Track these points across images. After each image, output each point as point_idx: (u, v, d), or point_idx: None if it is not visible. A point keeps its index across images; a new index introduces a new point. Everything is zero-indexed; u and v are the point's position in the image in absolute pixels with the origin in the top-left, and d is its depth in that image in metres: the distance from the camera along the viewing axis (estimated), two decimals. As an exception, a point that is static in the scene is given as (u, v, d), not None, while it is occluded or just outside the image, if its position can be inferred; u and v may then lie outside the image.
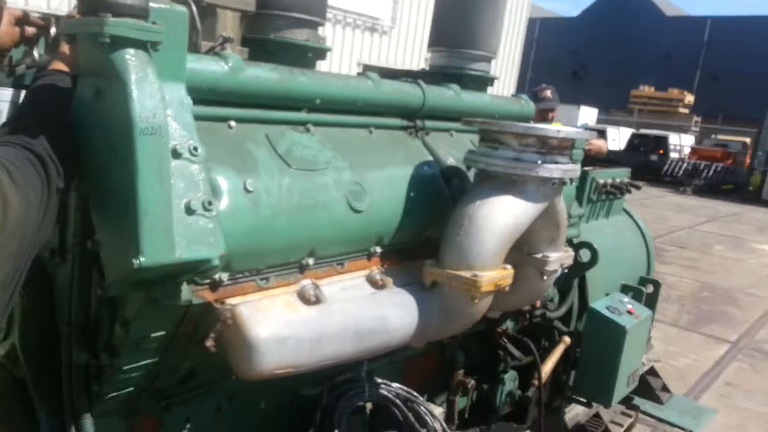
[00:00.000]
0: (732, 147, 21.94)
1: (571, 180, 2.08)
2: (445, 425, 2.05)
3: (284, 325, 1.56)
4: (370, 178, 1.90)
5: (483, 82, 2.75)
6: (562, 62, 32.12)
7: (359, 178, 1.87)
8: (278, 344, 1.53)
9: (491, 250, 1.89)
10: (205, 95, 1.58)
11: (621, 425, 3.41)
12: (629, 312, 2.94)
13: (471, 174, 2.24)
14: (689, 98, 26.79)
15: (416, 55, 13.11)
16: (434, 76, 2.64)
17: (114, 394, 1.49)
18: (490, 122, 2.03)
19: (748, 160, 20.38)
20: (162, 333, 1.45)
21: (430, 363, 2.50)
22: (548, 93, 4.88)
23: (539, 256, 2.17)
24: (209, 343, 1.50)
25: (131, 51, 1.26)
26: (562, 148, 2.02)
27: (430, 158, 2.22)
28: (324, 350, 1.64)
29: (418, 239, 2.09)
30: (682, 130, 23.81)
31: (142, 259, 1.22)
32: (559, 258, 2.21)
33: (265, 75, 1.76)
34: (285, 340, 1.55)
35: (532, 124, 2.01)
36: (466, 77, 2.66)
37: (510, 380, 2.73)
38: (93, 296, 1.44)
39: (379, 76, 2.16)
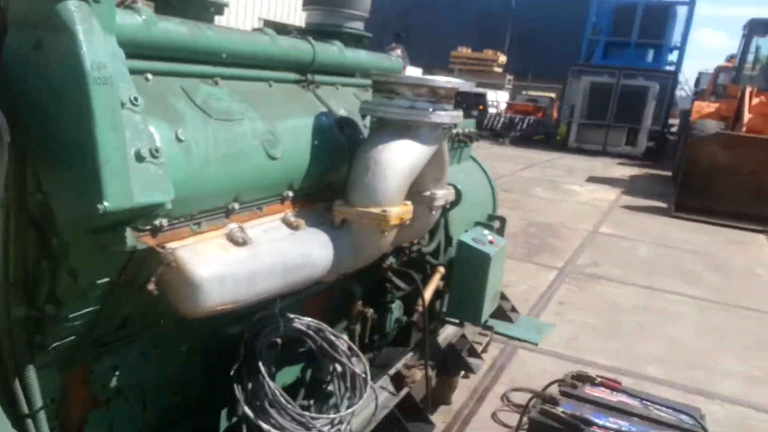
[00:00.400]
0: (541, 102, 24.08)
1: (456, 125, 2.36)
2: (352, 344, 2.28)
3: (222, 265, 1.67)
4: (280, 128, 2.02)
5: (359, 40, 2.93)
6: (387, 25, 32.87)
7: (271, 127, 1.98)
8: (219, 282, 1.64)
9: (396, 188, 2.11)
10: (122, 48, 1.60)
11: (480, 344, 3.86)
12: (491, 242, 3.34)
13: (361, 123, 2.44)
14: (502, 58, 28.78)
15: (249, 18, 12.83)
16: (312, 33, 2.76)
17: (57, 343, 1.51)
18: (387, 75, 2.23)
19: (555, 114, 22.54)
20: (107, 280, 1.49)
21: (327, 299, 2.70)
22: (399, 52, 5.14)
23: (428, 193, 2.44)
24: (151, 286, 1.57)
25: (74, 2, 1.28)
26: (449, 97, 2.28)
27: (324, 109, 2.37)
28: (258, 286, 1.77)
29: (322, 184, 2.25)
30: (497, 87, 25.61)
31: (106, 203, 1.27)
32: (444, 195, 2.50)
33: (175, 28, 1.80)
34: (224, 279, 1.66)
35: (424, 76, 2.24)
36: (344, 35, 2.82)
37: (397, 309, 3.02)
38: (30, 250, 1.44)
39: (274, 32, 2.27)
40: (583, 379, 2.84)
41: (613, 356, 4.36)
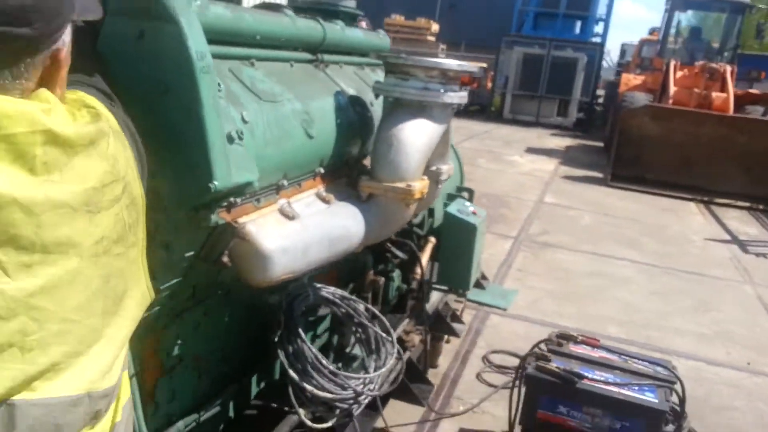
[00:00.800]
0: (476, 72, 24.45)
1: (461, 105, 2.53)
2: (372, 307, 2.46)
3: (283, 238, 1.81)
4: (311, 108, 2.15)
5: (353, 18, 3.04)
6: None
7: (306, 107, 2.11)
8: (283, 254, 1.78)
9: (417, 165, 2.28)
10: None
11: (457, 309, 4.11)
12: (473, 213, 3.56)
13: (368, 102, 2.57)
14: (435, 27, 28.96)
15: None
16: (308, 11, 2.85)
17: (147, 313, 1.61)
18: (404, 57, 2.37)
19: (489, 84, 22.98)
20: (192, 253, 1.61)
21: (338, 269, 2.85)
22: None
23: (434, 168, 2.61)
24: (225, 259, 1.70)
25: (175, -7, 1.37)
26: (456, 79, 2.44)
27: (338, 89, 2.49)
28: (311, 256, 1.92)
29: (342, 160, 2.39)
30: (432, 56, 25.81)
31: (216, 183, 1.39)
32: (447, 170, 2.68)
33: (223, 12, 1.88)
34: (287, 250, 1.80)
35: (436, 60, 2.39)
36: (340, 13, 2.93)
37: (397, 277, 3.20)
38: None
39: (293, 12, 2.36)
40: (567, 337, 3.09)
41: (575, 318, 4.71)
